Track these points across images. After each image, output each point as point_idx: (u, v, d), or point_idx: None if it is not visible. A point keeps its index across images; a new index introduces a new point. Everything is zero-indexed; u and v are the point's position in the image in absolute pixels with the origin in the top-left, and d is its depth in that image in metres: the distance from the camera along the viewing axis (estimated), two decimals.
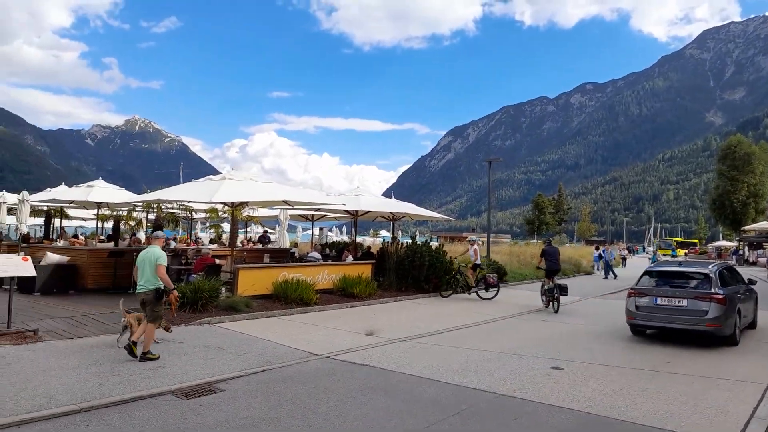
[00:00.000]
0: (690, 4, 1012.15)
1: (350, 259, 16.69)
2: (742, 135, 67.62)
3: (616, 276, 26.57)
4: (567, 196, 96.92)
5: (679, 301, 9.40)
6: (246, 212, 17.16)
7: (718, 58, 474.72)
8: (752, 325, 11.15)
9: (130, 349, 7.28)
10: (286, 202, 14.10)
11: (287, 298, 12.11)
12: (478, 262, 16.64)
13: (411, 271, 15.89)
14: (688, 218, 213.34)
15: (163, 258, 7.57)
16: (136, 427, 5.08)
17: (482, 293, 15.57)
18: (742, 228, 58.50)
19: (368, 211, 18.04)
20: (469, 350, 8.83)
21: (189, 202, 15.52)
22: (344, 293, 13.92)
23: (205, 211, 16.78)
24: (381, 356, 8.23)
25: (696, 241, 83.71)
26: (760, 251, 48.11)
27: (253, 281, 12.17)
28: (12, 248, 15.16)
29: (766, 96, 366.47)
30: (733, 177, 62.01)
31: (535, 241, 63.61)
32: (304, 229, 28.49)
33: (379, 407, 5.89)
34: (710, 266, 10.28)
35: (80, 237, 21.11)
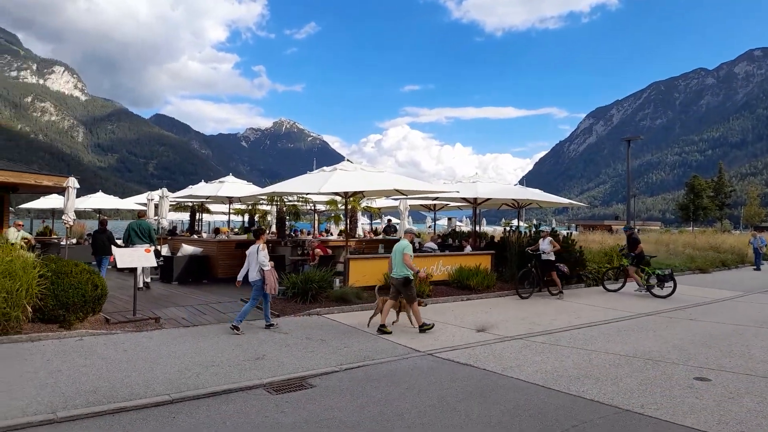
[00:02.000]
0: None
1: (468, 249, 15.90)
2: None
3: (759, 268, 22.34)
4: (731, 178, 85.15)
5: None
6: (364, 203, 17.10)
7: None
8: None
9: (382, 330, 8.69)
10: (398, 191, 13.71)
11: None
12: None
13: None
14: None
15: (410, 248, 8.98)
16: (218, 421, 4.98)
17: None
18: None
19: (488, 199, 17.04)
20: (594, 352, 7.70)
21: (304, 194, 15.83)
22: (460, 285, 13.22)
23: (325, 203, 17.04)
24: (488, 356, 7.47)
25: None
26: None
27: (364, 272, 11.97)
28: (161, 241, 16.75)
29: None
30: None
31: (691, 228, 56.68)
32: (434, 220, 28.18)
33: (472, 417, 5.19)
34: None
35: (223, 229, 22.81)
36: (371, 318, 9.17)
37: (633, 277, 14.36)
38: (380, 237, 21.69)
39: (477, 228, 19.86)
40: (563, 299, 13.03)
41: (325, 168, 13.07)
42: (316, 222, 25.37)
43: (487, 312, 11.00)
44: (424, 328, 8.81)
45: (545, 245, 13.42)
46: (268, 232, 18.63)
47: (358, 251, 16.08)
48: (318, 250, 12.64)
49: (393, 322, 9.20)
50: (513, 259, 14.81)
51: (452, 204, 21.16)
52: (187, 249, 14.22)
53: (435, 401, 5.61)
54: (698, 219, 67.12)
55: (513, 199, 18.70)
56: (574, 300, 13.04)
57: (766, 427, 4.83)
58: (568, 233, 18.59)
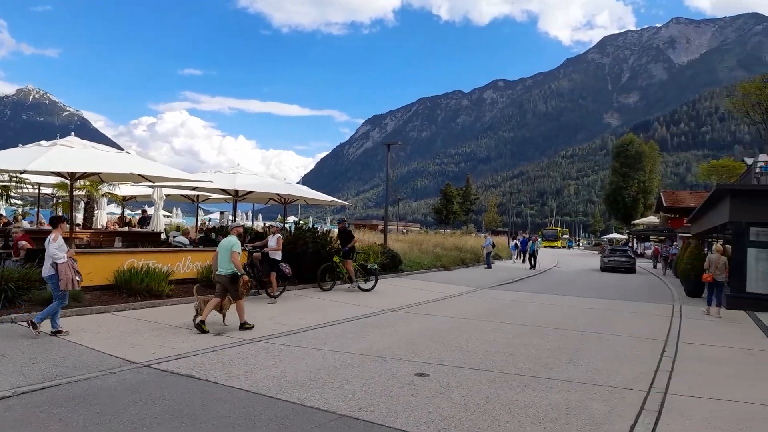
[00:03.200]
0: (592, 10, 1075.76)
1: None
2: (635, 135, 72.10)
3: (489, 266, 26.44)
4: (478, 188, 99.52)
5: None
6: (105, 188, 14.71)
7: (616, 63, 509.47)
8: None
9: None
10: (141, 176, 12.00)
11: (131, 289, 10.22)
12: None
13: (292, 259, 14.32)
14: (587, 212, 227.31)
15: (238, 245, 8.85)
16: None
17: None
18: (632, 222, 62.44)
19: (250, 192, 16.27)
20: (329, 352, 7.51)
21: (15, 172, 12.90)
22: (210, 283, 12.14)
23: (53, 185, 14.18)
24: (216, 363, 6.69)
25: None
26: (647, 244, 51.20)
27: (90, 269, 10.10)
28: None
29: (657, 101, 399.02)
30: (625, 174, 65.97)
31: (444, 230, 64.06)
32: (197, 212, 26.04)
33: None
34: None
35: None
36: (195, 318, 8.54)
37: (350, 271, 14.42)
38: (136, 229, 19.17)
39: (236, 220, 18.82)
40: (315, 298, 12.95)
41: (42, 142, 10.73)
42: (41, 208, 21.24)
43: (233, 312, 10.20)
44: (246, 326, 8.71)
45: (272, 242, 12.53)
46: None
47: (95, 245, 13.79)
48: (23, 242, 10.26)
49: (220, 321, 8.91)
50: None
51: (215, 196, 19.82)
52: None
53: (129, 427, 4.63)
54: (449, 222, 76.76)
55: (278, 195, 18.27)
56: (325, 297, 13.08)
57: (466, 421, 5.04)
58: (327, 230, 18.84)
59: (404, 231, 53.16)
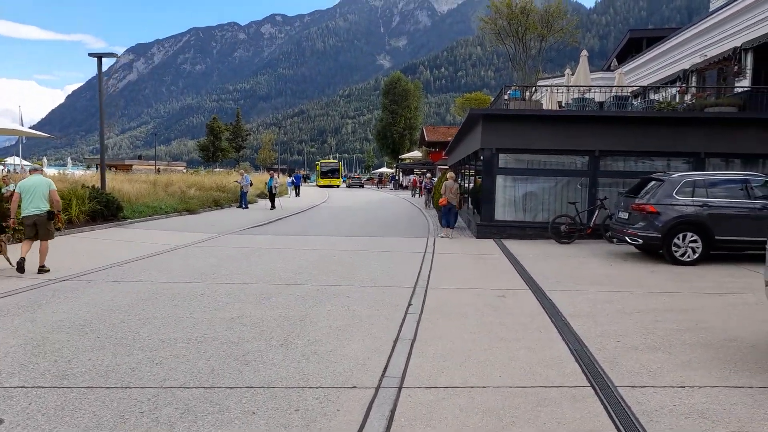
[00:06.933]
0: None
1: None
2: (402, 74, 74.69)
3: (245, 206, 23.96)
4: (259, 126, 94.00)
5: None
6: None
7: (387, 7, 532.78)
8: None
9: None
10: None
11: None
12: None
13: None
14: (363, 149, 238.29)
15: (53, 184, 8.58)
16: None
17: None
18: (400, 156, 65.34)
19: None
20: None
21: None
22: None
23: None
24: None
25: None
26: (411, 177, 53.76)
27: None
28: None
29: (422, 46, 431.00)
30: (393, 111, 68.20)
31: (217, 170, 58.51)
32: None
33: None
34: None
35: None
36: None
37: None
38: None
39: None
40: None
41: None
42: None
43: None
44: (44, 269, 8.30)
45: None
46: None
47: None
48: None
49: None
50: None
51: None
52: None
53: None
54: (218, 159, 70.87)
55: None
56: None
57: None
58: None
59: (158, 170, 46.58)
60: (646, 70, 23.41)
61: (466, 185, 20.61)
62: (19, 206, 8.54)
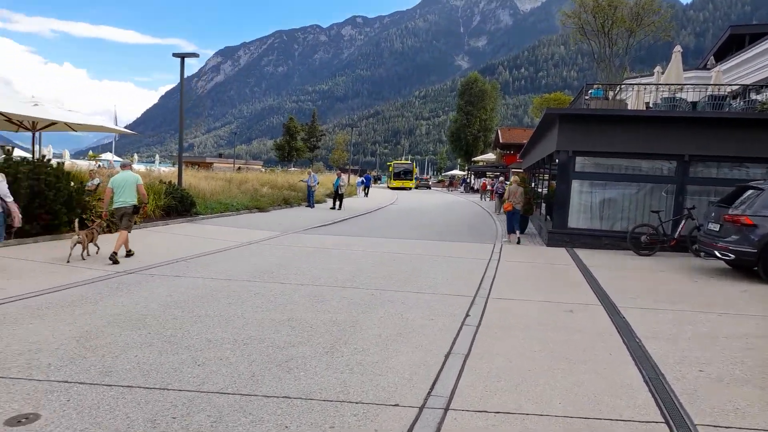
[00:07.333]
0: None
1: None
2: (479, 74, 73.20)
3: (312, 205, 24.05)
4: (335, 127, 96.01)
5: None
6: None
7: (468, 7, 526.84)
8: None
9: None
10: None
11: None
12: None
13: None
14: (436, 151, 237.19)
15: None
16: None
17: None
18: (473, 159, 64.17)
19: None
20: None
21: None
22: None
23: None
24: None
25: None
26: (482, 179, 52.60)
27: None
28: None
29: (502, 46, 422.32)
30: (468, 112, 67.05)
31: (291, 169, 60.20)
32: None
33: None
34: None
35: None
36: (72, 251, 8.57)
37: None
38: None
39: None
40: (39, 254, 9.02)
41: None
42: None
43: None
44: (129, 253, 9.13)
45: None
46: None
47: None
48: None
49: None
50: None
51: None
52: None
53: None
54: (293, 159, 72.74)
55: (20, 118, 13.29)
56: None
57: None
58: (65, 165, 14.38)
59: (238, 168, 48.46)
60: (747, 69, 21.35)
61: (540, 190, 19.70)
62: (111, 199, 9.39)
